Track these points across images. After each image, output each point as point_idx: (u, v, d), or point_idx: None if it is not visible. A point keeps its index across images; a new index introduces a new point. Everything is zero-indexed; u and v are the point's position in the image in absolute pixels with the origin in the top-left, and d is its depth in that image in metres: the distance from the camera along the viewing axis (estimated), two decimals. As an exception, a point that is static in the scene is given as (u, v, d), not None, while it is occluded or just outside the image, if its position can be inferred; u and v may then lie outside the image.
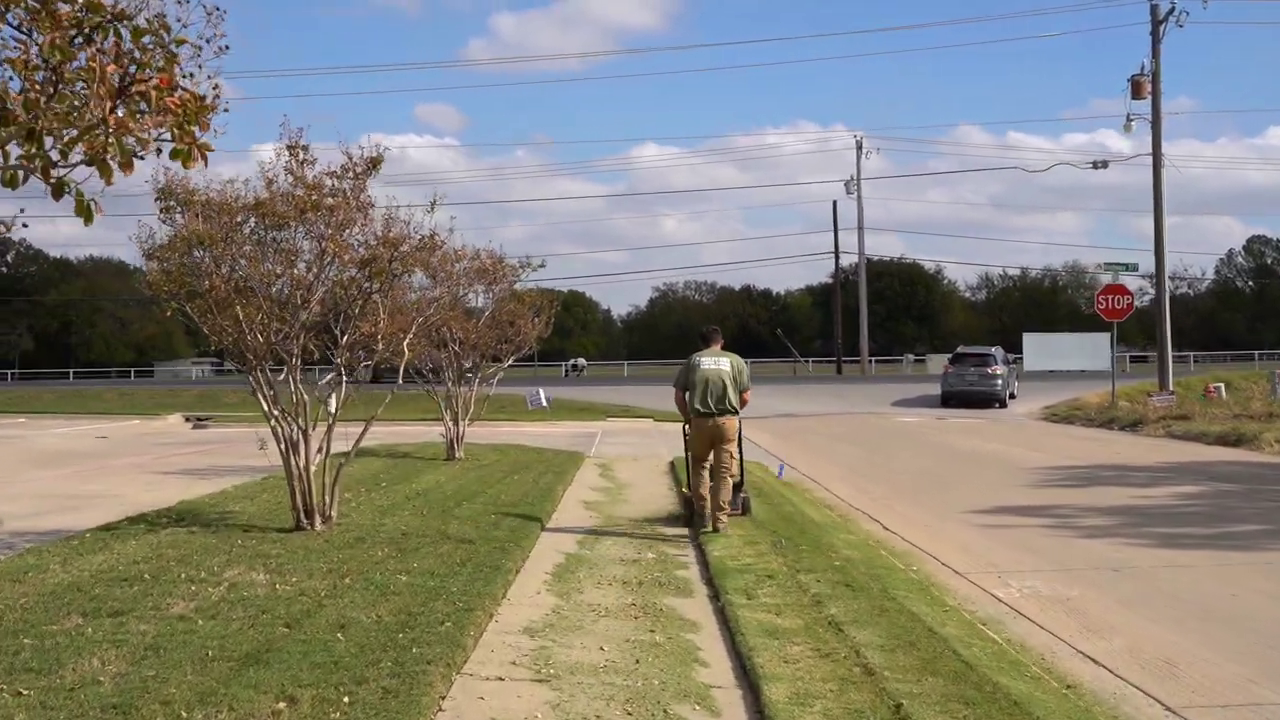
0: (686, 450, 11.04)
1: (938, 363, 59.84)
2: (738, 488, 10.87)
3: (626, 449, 21.57)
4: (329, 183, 9.53)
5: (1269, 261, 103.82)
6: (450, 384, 17.42)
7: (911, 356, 64.40)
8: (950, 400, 34.20)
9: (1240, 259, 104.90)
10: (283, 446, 9.65)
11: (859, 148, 61.41)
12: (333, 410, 9.52)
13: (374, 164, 9.56)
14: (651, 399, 34.29)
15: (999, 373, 34.09)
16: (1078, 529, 11.93)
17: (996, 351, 35.83)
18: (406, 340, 9.88)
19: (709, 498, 10.33)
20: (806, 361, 65.14)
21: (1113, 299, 31.19)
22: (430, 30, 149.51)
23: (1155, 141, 31.52)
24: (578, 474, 16.34)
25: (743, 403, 10.53)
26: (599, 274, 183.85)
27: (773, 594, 7.60)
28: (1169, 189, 32.23)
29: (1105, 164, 34.83)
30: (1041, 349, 50.47)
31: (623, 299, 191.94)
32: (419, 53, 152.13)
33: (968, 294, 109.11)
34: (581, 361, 70.26)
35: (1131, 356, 59.67)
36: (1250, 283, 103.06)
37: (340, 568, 8.03)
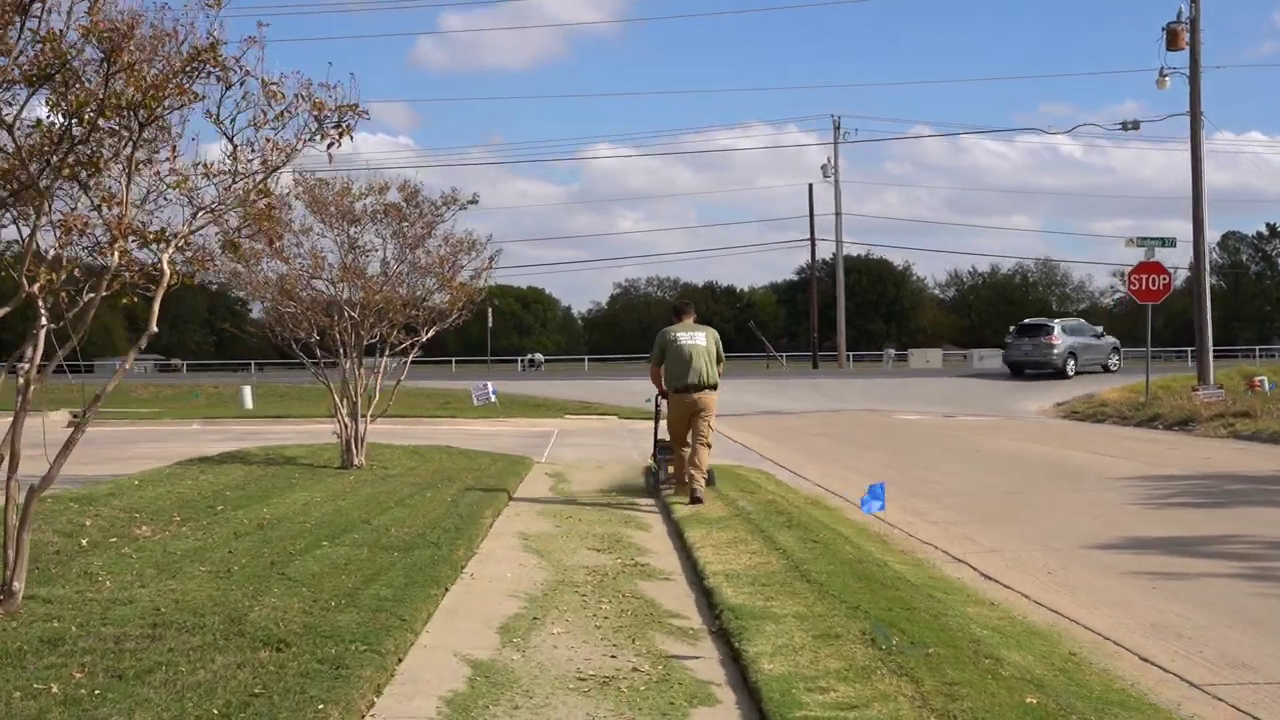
0: (656, 421, 11.40)
1: (920, 358, 56.08)
2: None
3: (588, 452, 17.03)
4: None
5: (1244, 258, 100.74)
6: (347, 366, 12.78)
7: (893, 352, 60.04)
8: (1015, 368, 37.37)
9: (1215, 255, 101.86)
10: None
11: (836, 129, 56.74)
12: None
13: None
14: (617, 395, 29.70)
15: (1056, 343, 36.31)
16: (1301, 582, 7.55)
17: (1056, 324, 38.02)
18: (168, 255, 5.22)
19: (685, 466, 10.27)
20: (781, 357, 60.69)
21: (1147, 279, 26.81)
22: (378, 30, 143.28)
23: (1194, 96, 27.19)
24: (520, 488, 11.79)
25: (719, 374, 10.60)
26: (556, 263, 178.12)
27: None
28: (1206, 170, 28.08)
29: (1137, 125, 30.57)
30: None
31: (583, 297, 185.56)
32: (371, 49, 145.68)
33: (936, 291, 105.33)
34: (538, 356, 65.75)
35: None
36: (1222, 281, 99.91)
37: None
